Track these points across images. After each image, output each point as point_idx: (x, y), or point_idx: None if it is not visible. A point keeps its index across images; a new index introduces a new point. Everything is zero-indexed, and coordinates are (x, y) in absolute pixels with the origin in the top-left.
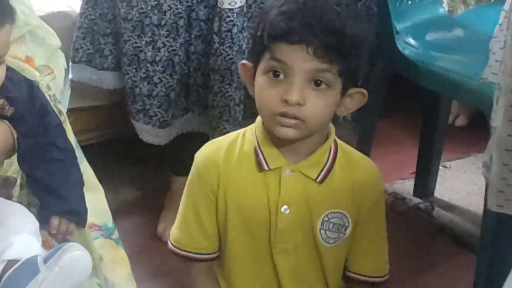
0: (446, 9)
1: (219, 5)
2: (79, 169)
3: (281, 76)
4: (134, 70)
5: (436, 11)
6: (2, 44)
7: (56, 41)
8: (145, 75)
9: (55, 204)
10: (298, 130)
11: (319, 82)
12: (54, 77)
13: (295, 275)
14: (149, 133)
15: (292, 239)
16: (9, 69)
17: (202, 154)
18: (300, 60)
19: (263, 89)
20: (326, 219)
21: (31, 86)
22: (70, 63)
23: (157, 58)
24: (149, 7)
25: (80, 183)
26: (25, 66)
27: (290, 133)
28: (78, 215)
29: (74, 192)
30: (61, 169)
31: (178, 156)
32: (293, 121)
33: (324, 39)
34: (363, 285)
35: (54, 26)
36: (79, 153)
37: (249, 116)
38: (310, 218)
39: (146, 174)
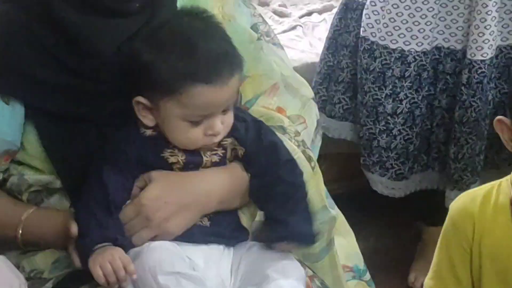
0: None
1: (469, 56)
2: (307, 202)
3: None
4: (372, 122)
5: None
6: (232, 93)
7: (308, 92)
8: (384, 128)
9: (279, 231)
10: None
11: None
12: (306, 127)
13: None
14: (384, 185)
15: None
16: (237, 109)
17: (457, 204)
18: None
19: None
20: None
21: (260, 126)
22: None
23: (398, 111)
24: (392, 59)
25: (306, 210)
26: (274, 115)
27: None
28: (299, 239)
29: (298, 218)
30: (287, 204)
31: (426, 206)
32: None
33: None
34: None
35: (307, 76)
36: (330, 201)
37: (490, 167)
38: None
39: (397, 223)
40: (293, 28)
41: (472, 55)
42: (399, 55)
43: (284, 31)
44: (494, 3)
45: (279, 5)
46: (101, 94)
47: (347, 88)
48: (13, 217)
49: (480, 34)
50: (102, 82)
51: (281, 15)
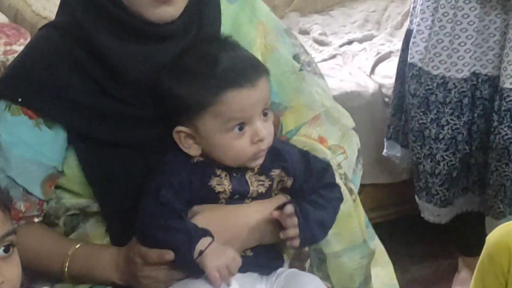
0: None
1: (501, 84)
2: (334, 219)
3: None
4: (418, 147)
5: None
6: (263, 94)
7: (349, 122)
8: (428, 152)
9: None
10: None
11: None
12: (346, 157)
13: None
14: (431, 212)
15: None
16: (283, 142)
17: (494, 237)
18: None
19: None
20: None
21: (308, 156)
22: (385, 139)
23: (441, 136)
24: (435, 84)
25: (330, 223)
26: (317, 146)
27: None
28: (306, 237)
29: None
30: (318, 205)
31: (465, 236)
32: None
33: None
34: None
35: (347, 105)
36: (370, 230)
37: None
38: None
39: (435, 253)
40: (333, 57)
41: (503, 82)
42: (441, 81)
43: (324, 60)
44: None
45: (320, 34)
46: (144, 120)
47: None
48: (59, 252)
49: (510, 62)
50: (144, 108)
51: (322, 43)
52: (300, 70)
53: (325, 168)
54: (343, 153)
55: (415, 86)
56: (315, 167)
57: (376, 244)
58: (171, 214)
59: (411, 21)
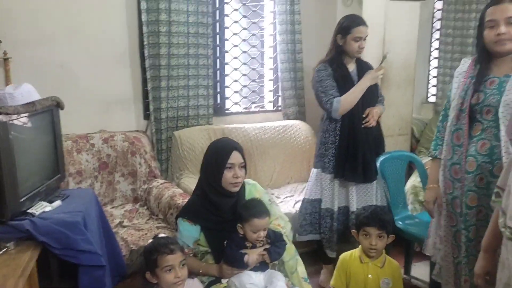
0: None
1: None
2: (284, 249)
3: None
4: None
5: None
6: (266, 223)
7: (286, 219)
8: None
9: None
10: None
11: None
12: (285, 231)
13: None
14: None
15: None
16: (268, 228)
17: (342, 256)
18: None
19: None
20: None
21: (275, 232)
22: None
23: None
24: None
25: (283, 251)
26: (278, 227)
27: None
28: (276, 257)
29: (280, 250)
30: (280, 248)
31: (325, 254)
32: None
33: None
34: None
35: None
36: (296, 253)
37: None
38: None
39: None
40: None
41: None
42: None
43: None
44: None
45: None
46: (227, 222)
47: None
48: (198, 266)
49: None
50: (227, 219)
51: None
52: (272, 202)
53: (280, 234)
54: (284, 228)
55: None
56: (277, 235)
57: (298, 257)
58: (235, 253)
59: None
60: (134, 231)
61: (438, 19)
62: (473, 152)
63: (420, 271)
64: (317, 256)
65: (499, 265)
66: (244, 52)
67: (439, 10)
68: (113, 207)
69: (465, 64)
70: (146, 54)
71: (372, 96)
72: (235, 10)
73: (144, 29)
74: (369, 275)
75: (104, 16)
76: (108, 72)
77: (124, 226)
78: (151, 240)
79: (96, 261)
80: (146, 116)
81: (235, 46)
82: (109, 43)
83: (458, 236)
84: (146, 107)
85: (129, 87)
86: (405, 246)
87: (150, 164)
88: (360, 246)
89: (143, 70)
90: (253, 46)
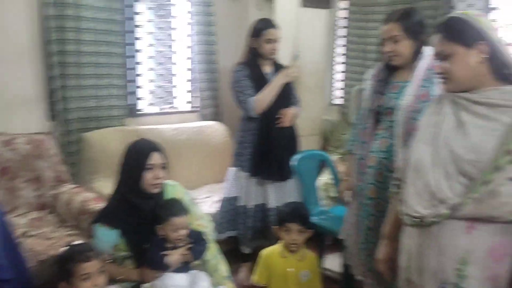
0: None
1: None
2: (206, 248)
3: None
4: None
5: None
6: (185, 221)
7: (207, 220)
8: None
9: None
10: None
11: None
12: (209, 230)
13: None
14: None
15: None
16: (191, 229)
17: (263, 252)
18: None
19: None
20: None
21: (197, 231)
22: None
23: None
24: None
25: (205, 250)
26: (201, 227)
27: None
28: (198, 256)
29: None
30: (202, 246)
31: (246, 254)
32: None
33: None
34: None
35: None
36: (218, 252)
37: None
38: None
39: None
40: None
41: None
42: None
43: None
44: None
45: None
46: (147, 224)
47: None
48: (117, 273)
49: None
50: (148, 221)
51: None
52: (193, 204)
53: (201, 233)
54: (207, 227)
55: None
56: (198, 234)
57: (220, 256)
58: (156, 255)
59: None
60: (42, 240)
61: (341, 27)
62: (374, 148)
63: (333, 263)
64: (237, 254)
65: (399, 251)
66: (160, 51)
67: (342, 18)
68: (17, 215)
69: (376, 68)
70: (52, 51)
71: (286, 97)
72: (149, 8)
73: (50, 24)
74: (289, 269)
75: None
76: (4, 69)
77: (31, 236)
78: (64, 248)
79: (2, 275)
80: (53, 117)
81: (151, 45)
82: (4, 38)
83: (361, 224)
84: (52, 107)
85: (31, 86)
86: (319, 240)
87: (57, 168)
88: (281, 241)
89: (48, 68)
90: (168, 46)
